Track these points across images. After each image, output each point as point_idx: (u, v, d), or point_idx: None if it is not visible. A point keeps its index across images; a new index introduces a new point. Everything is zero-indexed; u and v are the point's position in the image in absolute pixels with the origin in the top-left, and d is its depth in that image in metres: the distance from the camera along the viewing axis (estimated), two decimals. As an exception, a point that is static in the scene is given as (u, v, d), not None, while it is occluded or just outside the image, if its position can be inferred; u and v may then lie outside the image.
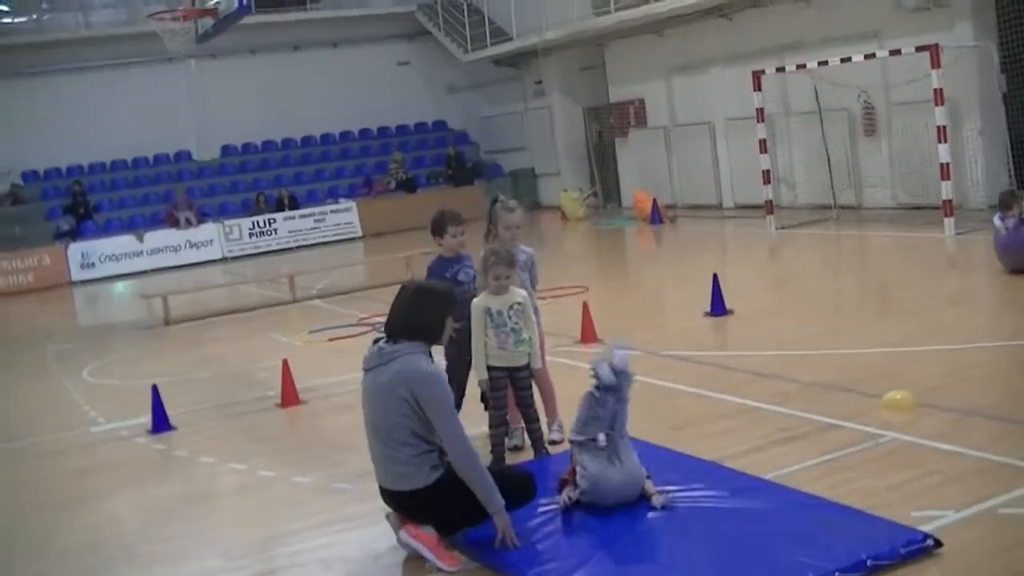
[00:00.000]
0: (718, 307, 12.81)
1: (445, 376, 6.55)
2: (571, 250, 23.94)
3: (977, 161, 18.92)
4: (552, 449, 7.99)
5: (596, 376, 6.71)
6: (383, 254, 23.13)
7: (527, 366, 7.74)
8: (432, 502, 6.34)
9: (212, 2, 23.16)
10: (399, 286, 6.84)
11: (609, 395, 6.69)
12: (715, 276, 12.92)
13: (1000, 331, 10.72)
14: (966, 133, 18.99)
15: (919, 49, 17.36)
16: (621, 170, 29.44)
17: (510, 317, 7.59)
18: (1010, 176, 18.34)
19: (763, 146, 20.98)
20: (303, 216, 30.62)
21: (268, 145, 34.46)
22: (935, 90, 17.03)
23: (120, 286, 26.25)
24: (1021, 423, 7.58)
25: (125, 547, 7.45)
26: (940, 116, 17.16)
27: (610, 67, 29.21)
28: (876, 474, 6.85)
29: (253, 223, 30.00)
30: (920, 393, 8.34)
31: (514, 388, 7.77)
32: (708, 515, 6.34)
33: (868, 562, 5.44)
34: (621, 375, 6.70)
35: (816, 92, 20.83)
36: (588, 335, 12.06)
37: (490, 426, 7.85)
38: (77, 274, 27.98)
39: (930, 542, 5.58)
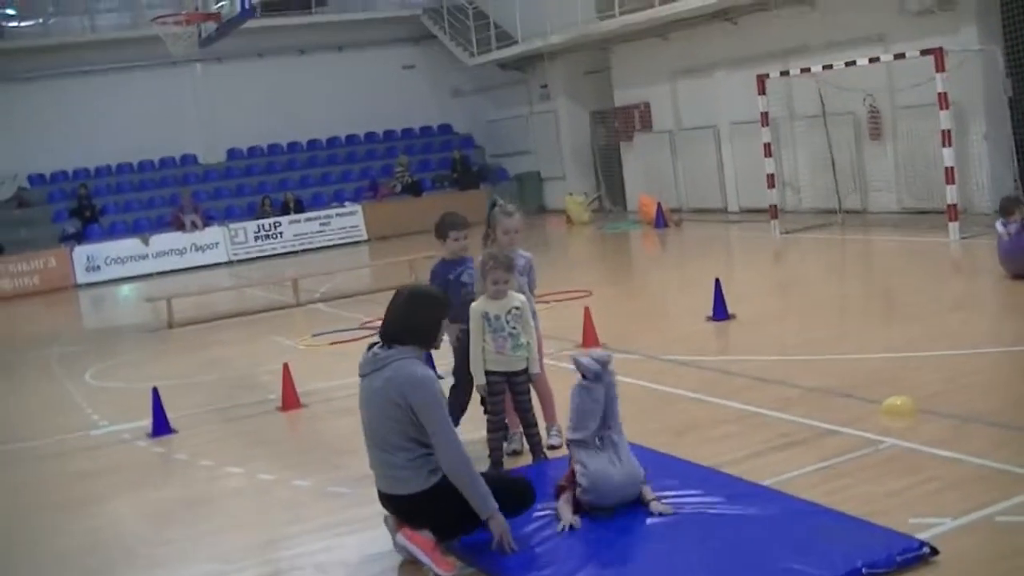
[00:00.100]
0: (720, 311, 12.79)
1: (437, 380, 6.54)
2: (575, 254, 23.93)
3: (982, 165, 18.87)
4: (551, 454, 7.97)
5: (578, 367, 6.80)
6: (388, 258, 23.11)
7: (525, 371, 7.73)
8: (429, 506, 6.33)
9: (216, 6, 23.19)
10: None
11: (596, 385, 6.75)
12: (717, 281, 12.90)
13: (1002, 337, 10.70)
14: (971, 137, 18.94)
15: (924, 53, 17.32)
16: (626, 174, 29.39)
17: (508, 322, 7.58)
18: (1015, 180, 18.33)
19: (768, 150, 20.95)
20: (308, 219, 30.64)
21: (274, 148, 34.48)
22: (939, 94, 17.01)
23: (125, 289, 26.28)
24: (1021, 430, 7.55)
25: (125, 550, 7.46)
26: (945, 120, 17.13)
27: (615, 71, 29.18)
28: (875, 480, 6.83)
29: (258, 226, 30.01)
30: (921, 399, 8.31)
31: (512, 393, 7.77)
32: (705, 521, 6.32)
33: (864, 570, 5.43)
34: (603, 365, 6.79)
35: (821, 96, 20.80)
36: (590, 339, 12.03)
37: (488, 431, 7.84)
38: (82, 277, 28.02)
39: (926, 550, 5.56)
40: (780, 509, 6.32)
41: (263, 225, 30.05)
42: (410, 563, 6.38)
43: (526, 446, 8.00)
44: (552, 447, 8.15)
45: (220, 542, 7.32)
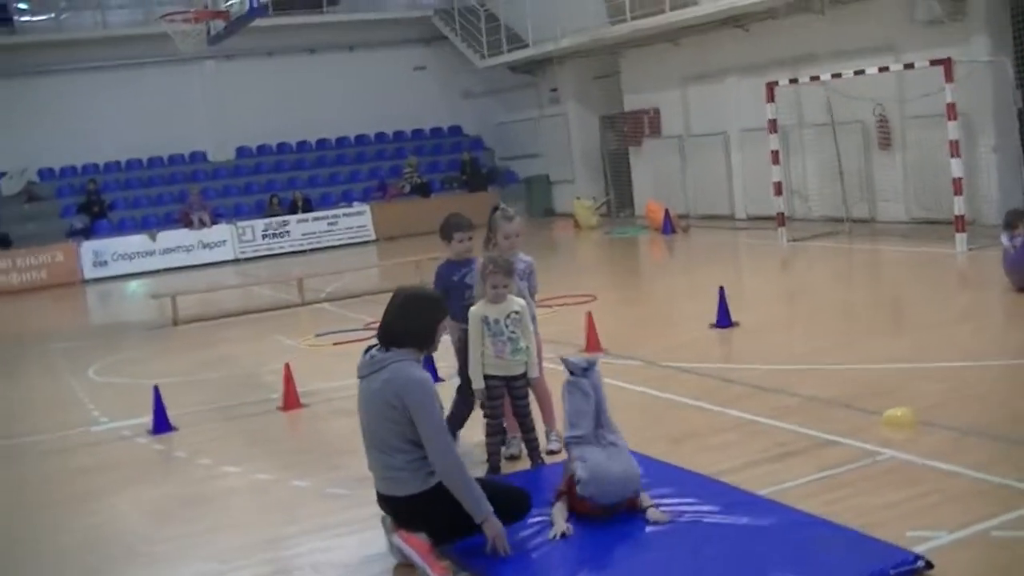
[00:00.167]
0: (724, 319, 12.77)
1: (434, 383, 6.55)
2: (582, 258, 23.91)
3: (991, 177, 18.83)
4: (549, 459, 7.96)
5: (565, 364, 6.99)
6: (395, 258, 23.10)
7: (524, 375, 7.73)
8: (426, 508, 6.33)
9: (225, 4, 23.21)
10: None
11: (584, 379, 6.88)
12: (721, 288, 12.87)
13: (1006, 349, 10.65)
14: (980, 148, 18.90)
15: (933, 63, 17.28)
16: (635, 179, 29.37)
17: (507, 326, 7.57)
18: (1024, 192, 18.32)
19: (776, 157, 20.89)
20: (316, 219, 30.66)
21: (283, 147, 34.51)
22: (948, 104, 16.94)
23: (133, 284, 26.29)
24: (1020, 443, 7.52)
25: (122, 547, 7.46)
26: (953, 131, 17.07)
27: (625, 76, 29.17)
28: (872, 492, 6.81)
29: (266, 225, 30.04)
30: (921, 410, 8.28)
31: (511, 397, 7.76)
32: (700, 531, 6.30)
33: (858, 582, 5.42)
34: (590, 365, 7.00)
35: (830, 104, 20.77)
36: (592, 345, 12.03)
37: (486, 435, 7.84)
38: (89, 272, 28.07)
39: (921, 563, 5.54)
40: (776, 519, 6.29)
41: (271, 224, 30.08)
42: (404, 566, 6.38)
43: (524, 451, 7.98)
44: (551, 452, 8.13)
45: (217, 541, 7.31)
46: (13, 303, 25.18)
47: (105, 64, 31.76)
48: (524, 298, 8.00)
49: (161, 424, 10.52)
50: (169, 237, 29.05)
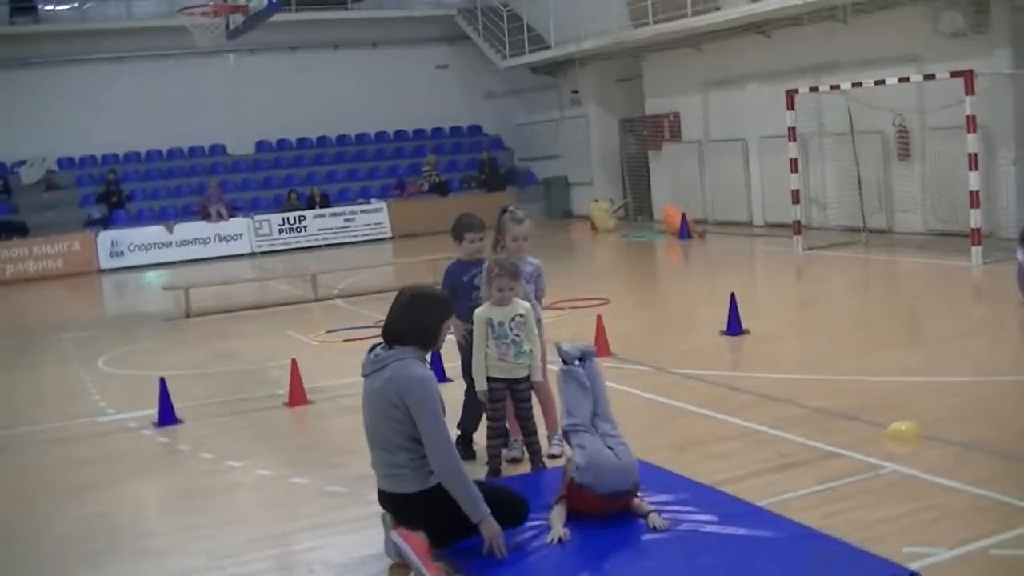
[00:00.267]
0: (734, 326, 12.71)
1: (436, 382, 6.53)
2: (597, 261, 23.87)
3: (1009, 190, 18.73)
4: (550, 463, 7.92)
5: (559, 353, 7.15)
6: (411, 256, 23.09)
7: (527, 378, 7.68)
8: (426, 507, 6.33)
9: (244, -1, 23.26)
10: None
11: (577, 369, 7.03)
12: (732, 295, 12.81)
13: (1018, 364, 10.57)
14: (1000, 161, 18.81)
15: (953, 75, 17.20)
16: (653, 183, 29.33)
17: (511, 329, 7.54)
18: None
19: (794, 165, 20.84)
20: (334, 214, 30.67)
21: (303, 142, 34.53)
22: (968, 117, 16.85)
23: (151, 275, 26.30)
24: (1022, 460, 7.46)
25: (122, 539, 7.45)
26: (972, 143, 16.97)
27: (647, 79, 29.12)
28: (873, 506, 6.75)
29: (283, 219, 30.09)
30: (928, 424, 8.23)
31: (513, 400, 7.72)
32: (696, 540, 6.26)
33: (850, 597, 5.37)
34: (586, 355, 7.17)
35: (850, 113, 20.69)
36: (602, 349, 11.95)
37: (488, 437, 7.80)
38: (106, 262, 28.15)
39: (916, 580, 5.50)
40: (773, 531, 6.24)
41: (287, 218, 30.11)
42: (399, 567, 6.35)
43: (526, 454, 7.95)
44: (552, 456, 8.10)
45: (211, 536, 7.29)
46: (28, 291, 25.27)
47: (128, 55, 31.85)
48: (530, 301, 7.97)
49: (167, 416, 10.52)
50: (186, 229, 29.13)
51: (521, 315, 7.58)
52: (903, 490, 7.03)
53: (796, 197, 20.88)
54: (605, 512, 6.65)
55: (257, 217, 30.04)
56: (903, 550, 5.96)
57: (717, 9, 23.91)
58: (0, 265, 27.20)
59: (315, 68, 33.71)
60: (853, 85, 19.46)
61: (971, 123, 16.91)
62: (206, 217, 29.45)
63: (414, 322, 6.55)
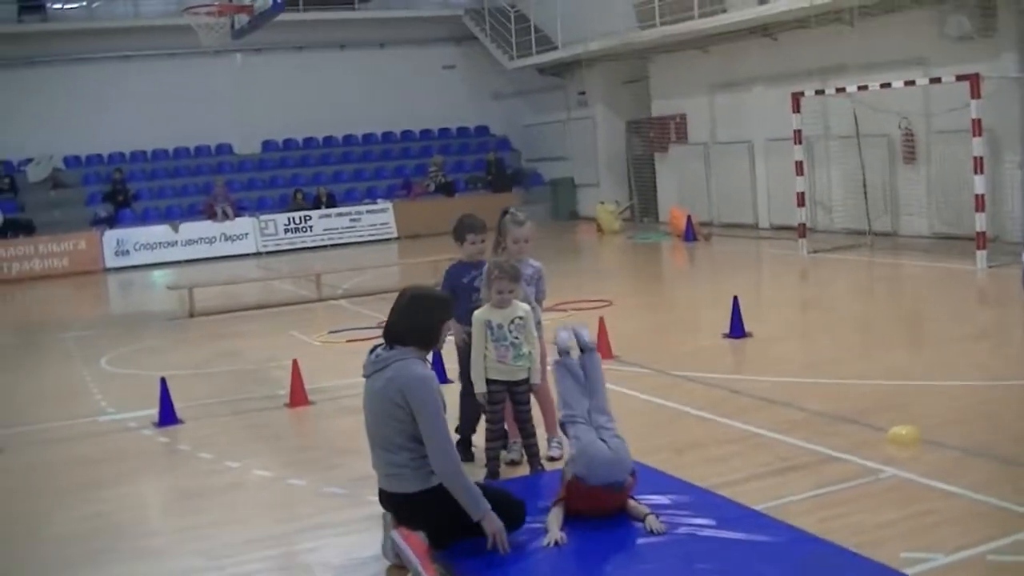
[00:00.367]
0: (737, 329, 12.69)
1: (438, 381, 6.54)
2: (602, 263, 23.83)
3: (1015, 193, 18.68)
4: (549, 465, 7.91)
5: (556, 343, 7.34)
6: (417, 257, 23.06)
7: (526, 381, 7.67)
8: (427, 507, 6.34)
9: (249, -1, 23.25)
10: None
11: (571, 360, 7.18)
12: (735, 298, 12.78)
13: (1020, 368, 10.51)
14: (1006, 165, 18.77)
15: (959, 78, 17.16)
16: (659, 185, 29.31)
17: (511, 331, 7.52)
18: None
19: (799, 168, 20.81)
20: (339, 214, 30.66)
21: (309, 142, 34.54)
22: (973, 120, 16.83)
23: (157, 274, 26.29)
24: (1022, 466, 7.43)
25: (114, 540, 7.43)
26: (978, 147, 16.96)
27: (653, 81, 29.11)
28: (871, 510, 6.73)
29: (289, 219, 30.09)
30: (928, 429, 8.20)
31: (512, 402, 7.72)
32: (693, 544, 6.24)
33: (846, 602, 5.35)
34: (583, 341, 7.29)
35: (855, 117, 20.65)
36: (603, 351, 11.89)
37: (487, 439, 7.79)
38: (111, 261, 28.13)
39: (912, 585, 5.47)
40: (770, 536, 6.23)
41: (293, 218, 30.11)
42: (396, 568, 6.35)
43: (525, 456, 7.93)
44: (551, 458, 8.09)
45: (208, 537, 7.28)
46: (33, 290, 25.29)
47: (135, 54, 31.89)
48: (531, 304, 7.95)
49: (167, 416, 10.52)
50: (192, 228, 29.14)
51: (520, 317, 7.57)
52: (902, 494, 7.00)
53: (801, 200, 20.85)
54: (602, 508, 6.65)
55: (263, 217, 30.05)
56: (901, 555, 5.94)
57: (724, 11, 23.87)
58: (6, 263, 27.21)
59: (322, 68, 33.72)
60: (859, 88, 19.43)
61: (977, 127, 16.88)
62: (212, 216, 29.47)
63: (415, 322, 6.58)
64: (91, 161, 31.97)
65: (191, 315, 17.98)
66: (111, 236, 28.39)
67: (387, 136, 35.35)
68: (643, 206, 30.31)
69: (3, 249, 27.34)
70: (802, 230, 20.67)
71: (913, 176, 20.99)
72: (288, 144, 34.33)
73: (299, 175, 33.03)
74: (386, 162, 34.44)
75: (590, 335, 7.56)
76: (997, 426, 8.43)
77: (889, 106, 20.05)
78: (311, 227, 30.20)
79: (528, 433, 7.80)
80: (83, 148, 31.67)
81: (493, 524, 6.26)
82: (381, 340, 6.69)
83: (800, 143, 20.82)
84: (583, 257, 24.84)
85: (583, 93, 32.07)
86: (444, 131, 35.75)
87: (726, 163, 26.30)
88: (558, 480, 6.96)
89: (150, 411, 10.76)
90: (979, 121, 16.87)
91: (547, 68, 32.33)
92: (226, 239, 29.29)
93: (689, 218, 24.50)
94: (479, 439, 8.07)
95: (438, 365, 10.52)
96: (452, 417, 7.01)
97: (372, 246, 29.63)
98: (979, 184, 17.11)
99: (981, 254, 16.91)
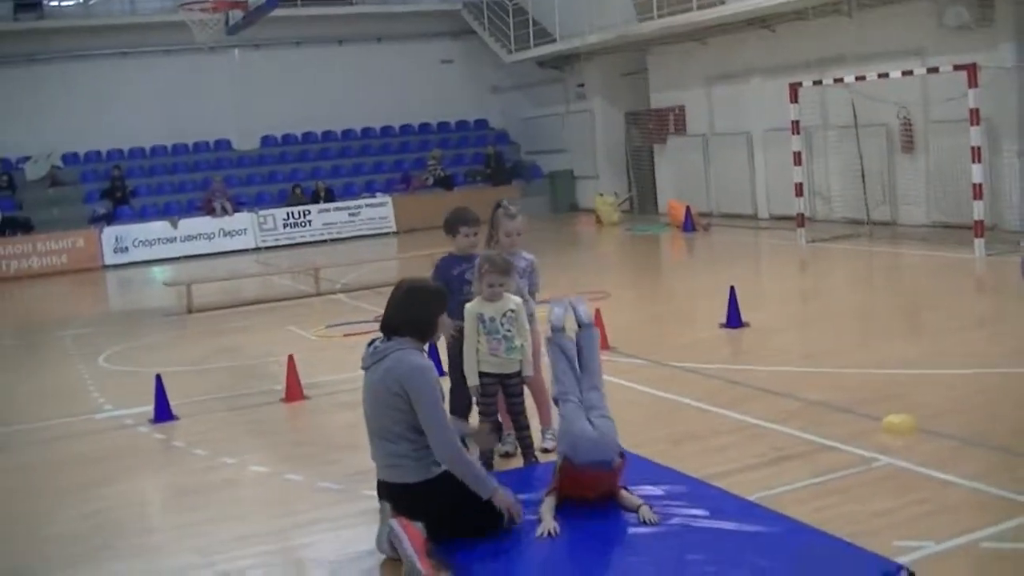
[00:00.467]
0: (734, 319, 12.68)
1: (434, 369, 6.57)
2: (601, 254, 23.79)
3: (1013, 182, 18.66)
4: (543, 457, 7.90)
5: (549, 318, 7.34)
6: (416, 250, 23.03)
7: (518, 373, 7.67)
8: (427, 498, 6.36)
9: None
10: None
11: (563, 336, 7.22)
12: (732, 288, 12.78)
13: (1018, 357, 10.46)
14: (1004, 154, 18.73)
15: (957, 68, 17.14)
16: (658, 176, 29.28)
17: (502, 324, 7.51)
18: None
19: (797, 158, 20.80)
20: (338, 209, 30.59)
21: (308, 137, 34.52)
22: (971, 110, 16.82)
23: (156, 271, 26.26)
24: (1019, 454, 7.41)
25: (113, 537, 7.43)
26: (975, 136, 16.94)
27: (652, 73, 29.07)
28: (865, 499, 6.73)
29: (288, 214, 30.03)
30: (923, 418, 8.20)
31: (505, 395, 7.71)
32: (686, 534, 6.22)
33: (837, 592, 5.34)
34: (577, 313, 7.36)
35: (853, 107, 20.62)
36: (600, 342, 11.85)
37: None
38: (110, 258, 28.08)
39: (904, 574, 5.44)
40: (763, 526, 6.20)
41: (292, 213, 30.05)
42: (391, 562, 6.34)
43: (519, 448, 7.92)
44: (545, 450, 8.07)
45: (203, 533, 7.27)
46: (32, 288, 25.25)
47: (132, 50, 31.86)
48: (523, 296, 7.94)
49: (163, 413, 10.51)
50: (190, 224, 29.07)
51: (512, 310, 7.56)
52: (896, 483, 7.00)
53: (800, 190, 20.85)
54: (593, 491, 6.66)
55: (262, 212, 29.99)
56: (893, 543, 5.94)
57: (722, 3, 23.80)
58: (4, 261, 27.15)
59: (320, 63, 33.71)
60: (857, 78, 19.42)
61: (974, 116, 16.86)
62: (210, 212, 29.43)
63: (412, 314, 6.62)
64: (89, 158, 31.92)
65: (189, 311, 17.98)
66: (110, 233, 28.34)
67: (385, 130, 35.30)
68: (642, 198, 30.23)
69: (1, 247, 27.27)
70: (801, 220, 20.66)
71: (911, 165, 20.97)
72: (287, 139, 34.30)
73: (298, 170, 33.00)
74: (385, 156, 34.42)
75: (587, 310, 7.51)
76: (994, 415, 8.42)
77: (887, 96, 20.03)
78: (310, 222, 30.14)
79: (521, 425, 7.80)
80: (81, 145, 31.64)
81: (505, 500, 6.36)
82: (379, 333, 6.70)
83: (798, 134, 20.82)
84: (581, 249, 24.82)
85: (582, 86, 32.02)
86: (443, 125, 35.73)
87: (725, 154, 26.28)
88: (552, 472, 6.95)
89: (147, 408, 10.73)
90: (977, 110, 16.85)
91: (546, 61, 32.26)
92: (225, 235, 29.23)
93: (688, 209, 24.48)
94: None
95: (434, 358, 10.47)
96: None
97: (371, 240, 29.59)
98: (977, 173, 17.09)
99: (979, 243, 16.90)
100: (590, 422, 6.75)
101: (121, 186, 30.29)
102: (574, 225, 29.23)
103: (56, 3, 32.21)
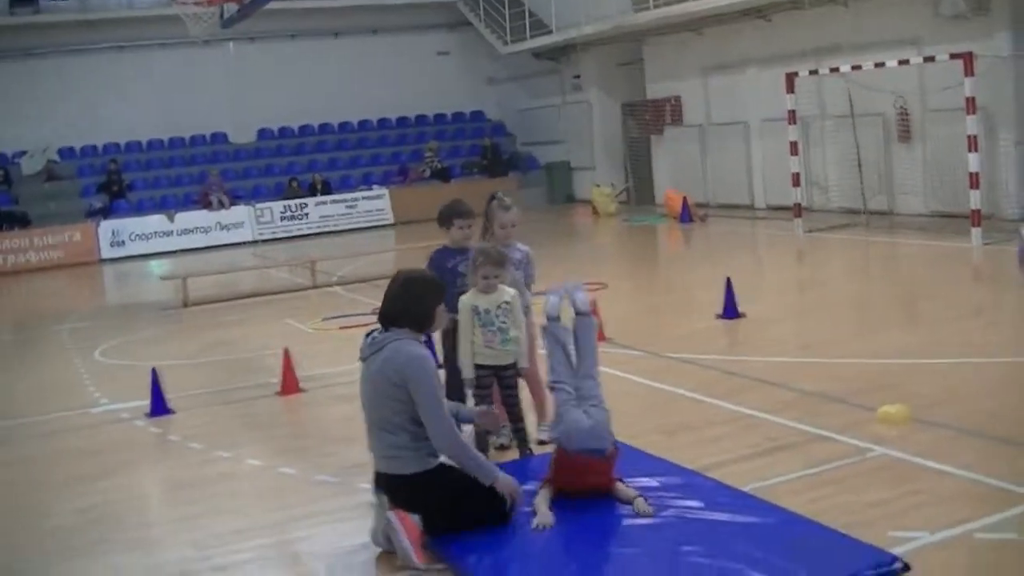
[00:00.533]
0: (730, 310, 12.67)
1: (433, 360, 6.60)
2: (597, 245, 23.77)
3: (1010, 171, 18.64)
4: (539, 449, 7.89)
5: (546, 308, 7.34)
6: (413, 242, 23.00)
7: (513, 365, 7.66)
8: (425, 489, 6.37)
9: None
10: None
11: (557, 323, 7.20)
12: (728, 279, 12.76)
13: (1015, 347, 10.48)
14: (1001, 143, 18.72)
15: (953, 57, 17.12)
16: (655, 167, 29.26)
17: (498, 316, 7.51)
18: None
19: (794, 148, 20.80)
20: (335, 201, 30.57)
21: (305, 130, 34.46)
22: (967, 99, 16.80)
23: (153, 264, 26.24)
24: (1015, 444, 7.41)
25: (110, 531, 7.42)
26: (971, 125, 16.91)
27: (648, 64, 29.03)
28: (859, 490, 6.73)
29: (285, 207, 30.01)
30: (919, 408, 8.19)
31: (500, 387, 7.71)
32: (680, 526, 6.22)
33: (831, 583, 5.33)
34: (574, 301, 7.32)
35: (849, 96, 20.60)
36: (597, 334, 11.90)
37: (475, 425, 7.75)
38: (107, 252, 28.05)
39: (899, 565, 5.44)
40: (758, 517, 6.20)
41: (289, 206, 30.03)
42: (386, 556, 6.35)
43: (514, 441, 7.91)
44: (541, 442, 8.07)
45: (200, 527, 7.27)
46: (29, 282, 25.21)
47: (128, 44, 31.79)
48: (519, 288, 7.93)
49: (158, 407, 10.50)
50: (187, 218, 29.06)
51: (507, 302, 7.55)
52: (891, 473, 7.00)
53: (797, 180, 20.85)
54: (587, 480, 6.66)
55: (258, 205, 29.97)
56: (888, 534, 5.94)
57: (717, -8, 23.81)
58: (1, 256, 27.12)
59: (316, 56, 33.65)
60: (853, 68, 19.42)
61: (971, 105, 16.84)
62: (207, 206, 29.40)
63: (409, 305, 6.63)
64: (86, 152, 31.87)
65: (185, 305, 17.95)
66: (106, 227, 28.31)
67: (382, 123, 35.28)
68: (638, 188, 30.17)
69: (-2, 242, 27.30)
70: (798, 210, 20.66)
71: (908, 155, 20.95)
72: (283, 132, 34.24)
73: (294, 163, 32.97)
74: (381, 149, 34.38)
75: (584, 297, 7.46)
76: (989, 404, 8.41)
77: (883, 85, 20.01)
78: (307, 215, 30.12)
79: (517, 417, 7.80)
80: (77, 140, 31.58)
81: (508, 485, 6.39)
82: (376, 325, 6.71)
83: (795, 123, 20.82)
84: (578, 240, 24.78)
85: (578, 77, 32.00)
86: (439, 117, 35.67)
87: (721, 144, 26.25)
88: (547, 464, 6.95)
89: (143, 402, 10.72)
90: (973, 99, 16.83)
91: (542, 52, 32.24)
92: (222, 228, 29.22)
93: (685, 200, 24.47)
94: (467, 425, 8.03)
95: (430, 349, 10.47)
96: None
97: (368, 232, 29.56)
98: (973, 162, 17.07)
99: (976, 232, 16.90)
100: (585, 412, 6.75)
101: (117, 180, 30.24)
102: (571, 216, 29.24)
103: (52, -2, 32.16)
